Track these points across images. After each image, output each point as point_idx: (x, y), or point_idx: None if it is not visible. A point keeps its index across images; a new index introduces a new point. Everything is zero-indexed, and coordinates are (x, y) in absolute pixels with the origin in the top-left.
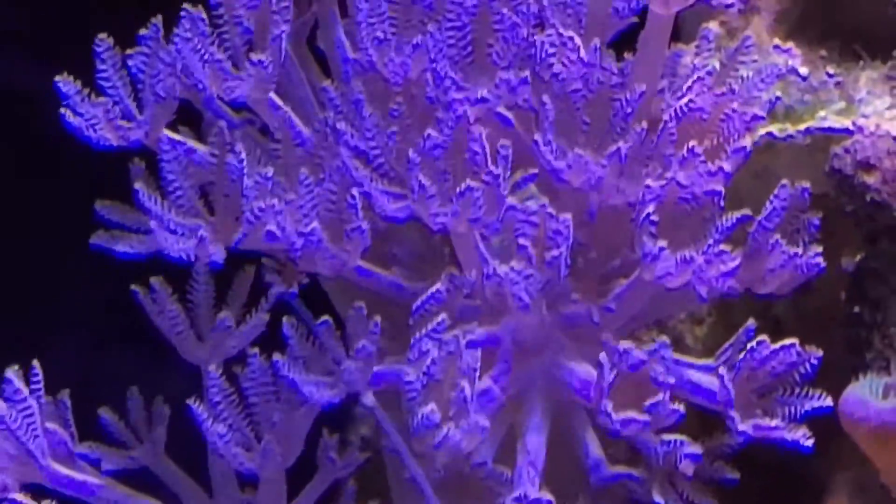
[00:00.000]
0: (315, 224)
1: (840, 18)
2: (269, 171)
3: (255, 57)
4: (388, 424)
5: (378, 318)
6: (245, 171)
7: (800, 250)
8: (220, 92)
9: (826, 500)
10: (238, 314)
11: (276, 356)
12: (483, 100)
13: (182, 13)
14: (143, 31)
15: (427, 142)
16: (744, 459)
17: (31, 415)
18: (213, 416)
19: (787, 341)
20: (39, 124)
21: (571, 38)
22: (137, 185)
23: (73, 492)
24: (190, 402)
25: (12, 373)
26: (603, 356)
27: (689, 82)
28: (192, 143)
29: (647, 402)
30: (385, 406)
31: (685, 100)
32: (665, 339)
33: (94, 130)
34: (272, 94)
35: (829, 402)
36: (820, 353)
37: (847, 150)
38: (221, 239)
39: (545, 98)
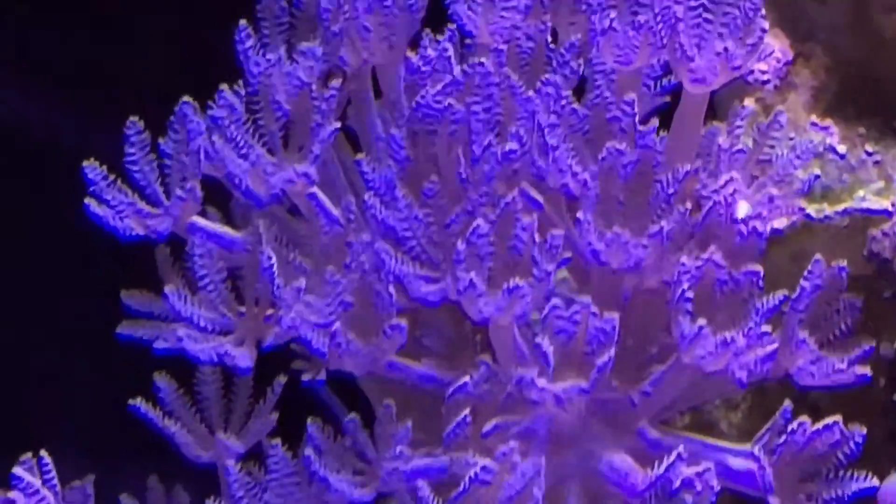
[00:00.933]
0: (338, 326)
1: (879, 95)
2: (302, 282)
3: (296, 165)
4: None
5: (409, 420)
6: (275, 270)
7: (833, 356)
8: (259, 189)
9: None
10: (245, 413)
11: (307, 451)
12: (511, 152)
13: (218, 96)
14: (173, 115)
15: (474, 232)
16: None
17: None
18: None
19: (830, 420)
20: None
21: (632, 104)
22: (168, 289)
23: None
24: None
25: (20, 469)
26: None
27: (727, 167)
28: (221, 228)
29: None
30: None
31: (730, 189)
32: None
33: (121, 219)
34: (315, 189)
35: (874, 482)
36: (864, 430)
37: (885, 234)
38: (251, 340)
39: (588, 177)
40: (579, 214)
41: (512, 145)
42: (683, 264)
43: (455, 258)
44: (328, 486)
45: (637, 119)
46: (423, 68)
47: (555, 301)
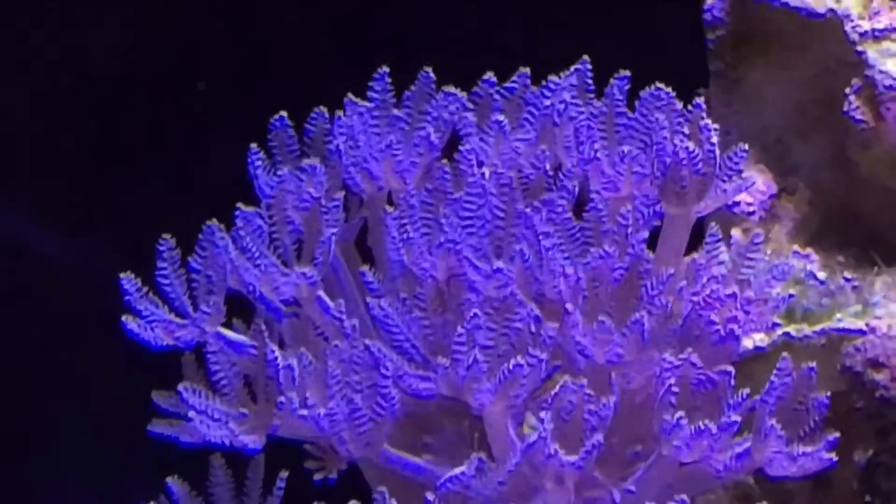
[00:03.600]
0: (338, 408)
1: (857, 227)
2: (295, 362)
3: (300, 269)
4: None
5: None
6: (279, 365)
7: (802, 447)
8: (270, 295)
9: None
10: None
11: None
12: (499, 270)
13: (236, 214)
14: (200, 236)
15: (471, 322)
16: None
17: None
18: None
19: None
20: None
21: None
22: (182, 386)
23: None
24: None
25: None
26: None
27: (706, 277)
28: (237, 336)
29: None
30: None
31: (707, 291)
32: (685, 497)
33: (152, 330)
34: (321, 293)
35: None
36: None
37: (858, 349)
38: (260, 427)
39: (581, 281)
40: (567, 306)
41: (499, 263)
42: (666, 360)
43: (454, 345)
44: None
45: (629, 231)
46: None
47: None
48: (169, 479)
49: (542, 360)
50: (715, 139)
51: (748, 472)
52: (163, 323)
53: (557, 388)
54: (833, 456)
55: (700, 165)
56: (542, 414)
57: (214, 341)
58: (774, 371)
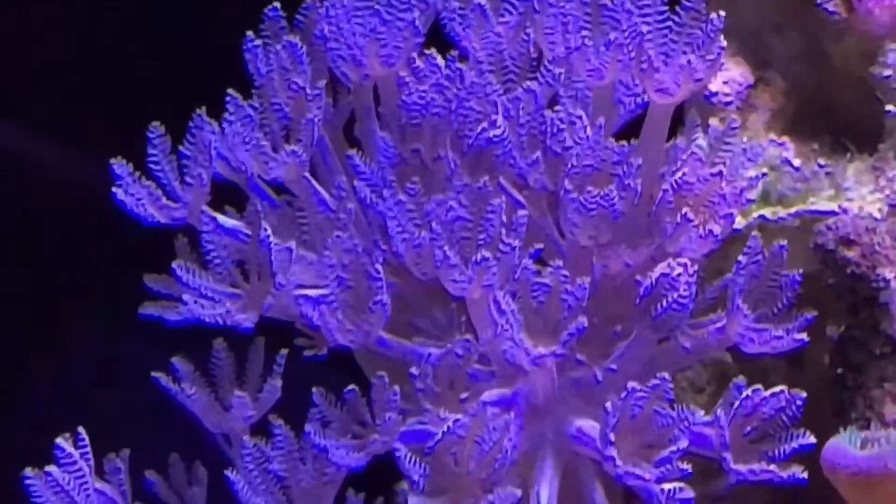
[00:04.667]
0: (332, 302)
1: (831, 116)
2: (293, 243)
3: (289, 148)
4: None
5: (398, 387)
6: (272, 244)
7: (775, 327)
8: (261, 172)
9: None
10: (256, 386)
11: (308, 427)
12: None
13: (227, 100)
14: (190, 122)
15: (450, 213)
16: None
17: (82, 476)
18: (249, 485)
19: (776, 388)
20: None
21: (581, 117)
22: (175, 263)
23: None
24: (228, 473)
25: (62, 440)
26: (608, 403)
27: (683, 159)
28: (230, 220)
29: (656, 457)
30: None
31: (679, 174)
32: (665, 374)
33: (144, 209)
34: (307, 175)
35: (812, 439)
36: (804, 394)
37: (829, 228)
38: (253, 306)
39: (563, 179)
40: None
41: (496, 131)
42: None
43: (432, 237)
44: (327, 454)
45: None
46: (409, 78)
47: (526, 262)
48: (174, 358)
49: (515, 247)
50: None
51: (721, 349)
52: (153, 200)
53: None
54: (805, 336)
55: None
56: (508, 303)
57: (208, 221)
58: (744, 250)
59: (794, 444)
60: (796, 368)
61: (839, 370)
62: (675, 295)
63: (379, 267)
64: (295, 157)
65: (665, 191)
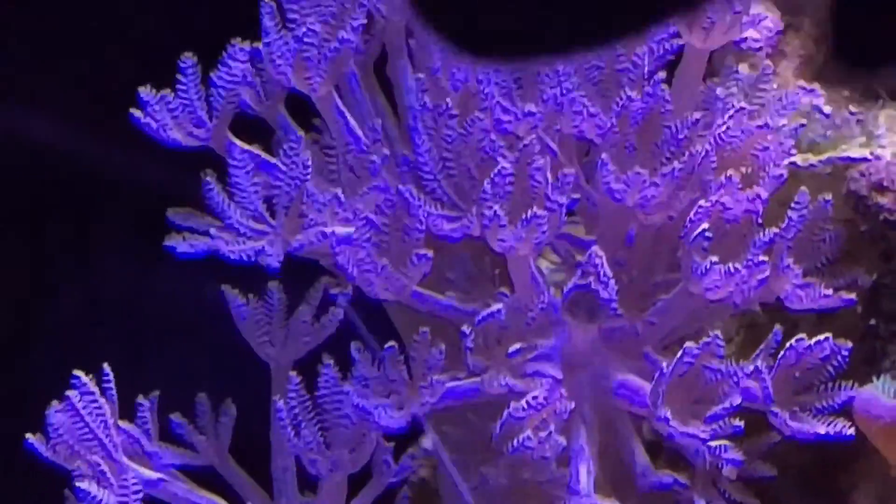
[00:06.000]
0: (366, 243)
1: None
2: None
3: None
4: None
5: (441, 343)
6: (307, 174)
7: (822, 285)
8: (298, 81)
9: None
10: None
11: (346, 385)
12: (530, 113)
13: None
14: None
15: (499, 172)
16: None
17: (102, 411)
18: (291, 421)
19: (821, 336)
20: None
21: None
22: (209, 178)
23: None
24: (276, 399)
25: (81, 374)
26: (663, 364)
27: (727, 115)
28: (261, 153)
29: (707, 414)
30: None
31: (724, 128)
32: (717, 332)
33: (166, 131)
34: (338, 102)
35: (856, 391)
36: (849, 344)
37: (862, 174)
38: (282, 243)
39: (609, 122)
40: (603, 156)
41: (530, 106)
42: (701, 206)
43: (482, 195)
44: (366, 413)
45: (645, 71)
46: None
47: None
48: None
49: (562, 204)
50: None
51: (766, 302)
52: (177, 122)
53: None
54: (853, 296)
55: None
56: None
57: (235, 150)
58: (791, 205)
59: (843, 397)
60: (827, 317)
61: (871, 320)
62: None
63: (423, 217)
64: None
65: (709, 147)
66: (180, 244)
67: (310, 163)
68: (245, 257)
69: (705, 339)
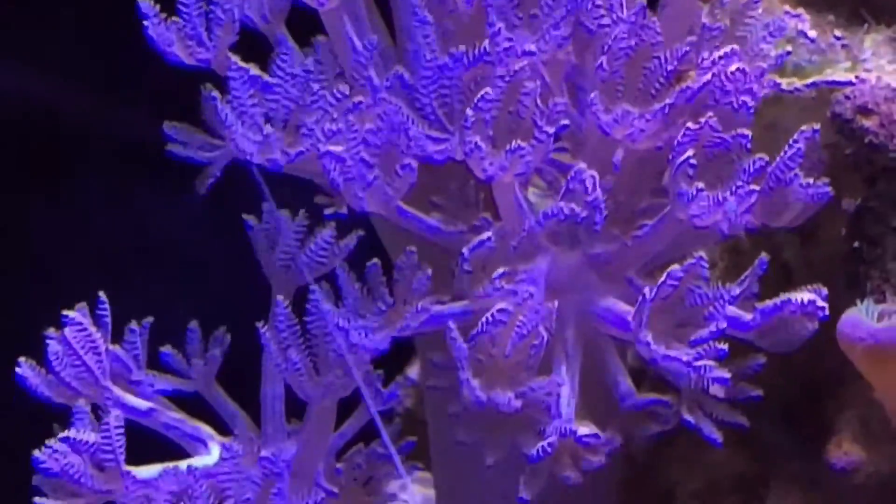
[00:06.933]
0: (357, 154)
1: None
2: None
3: None
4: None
5: (427, 267)
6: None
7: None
8: None
9: (832, 437)
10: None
11: (326, 304)
12: (529, 53)
13: None
14: None
15: (483, 98)
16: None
17: (93, 338)
18: (280, 344)
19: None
20: None
21: None
22: (213, 92)
23: (127, 413)
24: (259, 326)
25: (80, 307)
26: (646, 289)
27: (721, 52)
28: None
29: (691, 337)
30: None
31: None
32: (702, 253)
33: (171, 47)
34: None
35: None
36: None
37: (847, 97)
38: (282, 151)
39: (597, 55)
40: (592, 95)
41: (531, 46)
42: (688, 128)
43: (463, 122)
44: (346, 334)
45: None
46: None
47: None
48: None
49: (550, 134)
50: None
51: (752, 227)
52: (180, 38)
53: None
54: (829, 190)
55: None
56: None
57: (235, 67)
58: (797, 134)
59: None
60: (811, 241)
61: (855, 243)
62: None
63: (414, 131)
64: None
65: (706, 81)
66: (202, 152)
67: (304, 75)
68: (254, 158)
69: (689, 261)
